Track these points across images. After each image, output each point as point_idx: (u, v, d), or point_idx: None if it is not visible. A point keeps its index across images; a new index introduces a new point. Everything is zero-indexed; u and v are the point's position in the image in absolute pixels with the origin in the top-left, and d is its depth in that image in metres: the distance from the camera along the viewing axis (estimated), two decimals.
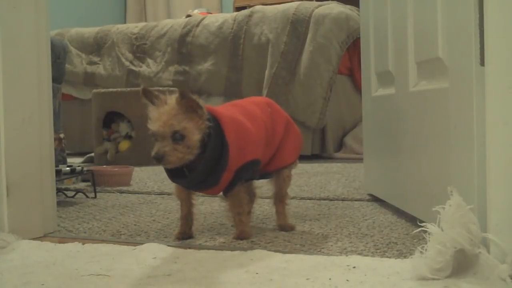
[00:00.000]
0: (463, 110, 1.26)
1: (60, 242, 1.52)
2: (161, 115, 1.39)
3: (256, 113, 1.60)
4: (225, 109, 1.55)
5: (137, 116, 3.86)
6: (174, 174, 1.49)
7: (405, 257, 1.30)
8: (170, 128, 1.38)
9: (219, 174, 1.47)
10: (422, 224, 1.16)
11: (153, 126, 1.40)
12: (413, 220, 1.61)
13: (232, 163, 1.47)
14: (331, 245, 1.45)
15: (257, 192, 1.76)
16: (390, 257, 1.31)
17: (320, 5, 4.28)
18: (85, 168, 2.51)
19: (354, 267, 1.21)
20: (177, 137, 1.39)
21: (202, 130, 1.42)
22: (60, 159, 3.03)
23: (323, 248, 1.43)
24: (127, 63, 4.80)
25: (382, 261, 1.26)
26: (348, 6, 4.36)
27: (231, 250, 1.40)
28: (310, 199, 2.23)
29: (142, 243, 1.47)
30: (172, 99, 1.41)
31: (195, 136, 1.41)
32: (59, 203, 1.89)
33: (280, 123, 1.66)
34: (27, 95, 1.63)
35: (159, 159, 1.39)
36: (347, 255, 1.32)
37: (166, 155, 1.39)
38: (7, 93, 1.55)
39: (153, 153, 1.39)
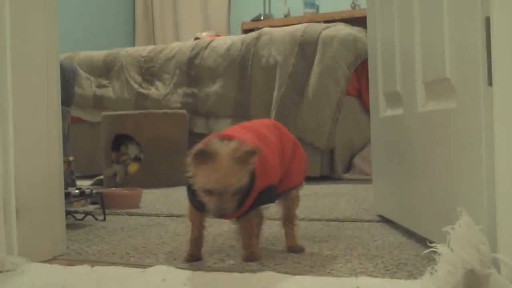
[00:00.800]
0: (472, 130, 1.26)
1: (69, 265, 1.52)
2: (219, 172, 1.37)
3: (269, 137, 1.61)
4: (242, 134, 1.54)
5: (146, 138, 3.87)
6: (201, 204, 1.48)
7: (415, 278, 1.29)
8: (232, 187, 1.38)
9: (243, 201, 1.47)
10: (432, 245, 1.16)
11: (213, 185, 1.38)
12: (423, 241, 1.60)
13: (257, 185, 1.48)
14: (341, 267, 1.44)
15: (264, 214, 1.75)
16: (400, 278, 1.30)
17: (327, 27, 4.30)
18: (94, 191, 2.52)
19: None
20: (237, 192, 1.40)
21: (249, 173, 1.43)
22: (69, 182, 3.03)
23: (332, 269, 1.42)
24: (136, 86, 4.83)
25: (392, 282, 1.25)
26: (356, 28, 4.37)
27: (240, 272, 1.40)
28: (319, 220, 2.22)
29: (151, 266, 1.47)
30: (222, 152, 1.38)
31: (246, 182, 1.42)
32: (68, 226, 1.89)
33: (288, 145, 1.66)
34: (37, 118, 1.64)
35: (222, 216, 1.42)
36: (356, 277, 1.31)
37: (229, 211, 1.40)
38: (16, 116, 1.56)
39: (214, 211, 1.39)
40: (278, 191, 1.64)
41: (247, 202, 1.48)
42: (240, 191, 1.40)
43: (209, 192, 1.39)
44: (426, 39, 1.61)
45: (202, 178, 1.39)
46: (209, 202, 1.40)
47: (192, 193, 1.49)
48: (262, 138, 1.57)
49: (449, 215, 1.20)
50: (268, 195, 1.56)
